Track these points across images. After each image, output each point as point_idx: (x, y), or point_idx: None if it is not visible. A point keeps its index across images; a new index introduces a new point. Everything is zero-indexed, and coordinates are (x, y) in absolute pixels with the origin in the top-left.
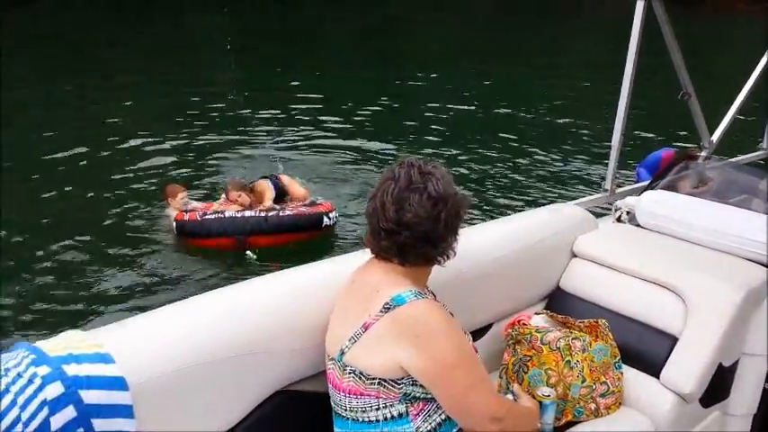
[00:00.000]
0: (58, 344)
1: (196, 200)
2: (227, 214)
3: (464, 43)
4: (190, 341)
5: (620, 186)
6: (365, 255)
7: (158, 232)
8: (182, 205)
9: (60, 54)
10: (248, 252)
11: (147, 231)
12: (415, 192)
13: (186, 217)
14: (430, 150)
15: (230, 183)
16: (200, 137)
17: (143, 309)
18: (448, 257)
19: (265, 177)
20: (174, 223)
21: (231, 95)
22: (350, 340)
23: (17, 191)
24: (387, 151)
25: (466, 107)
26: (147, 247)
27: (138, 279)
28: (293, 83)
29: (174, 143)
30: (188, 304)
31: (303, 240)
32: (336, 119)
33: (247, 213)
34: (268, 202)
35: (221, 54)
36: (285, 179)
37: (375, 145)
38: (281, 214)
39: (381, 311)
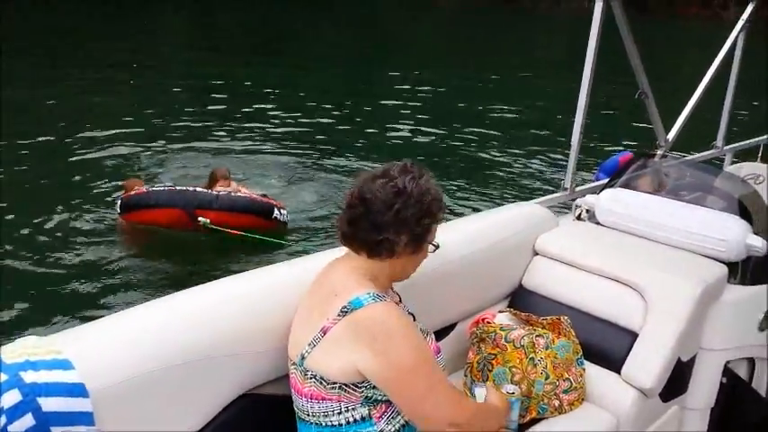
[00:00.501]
0: (15, 350)
1: None
2: (176, 188)
3: (429, 41)
4: (151, 345)
5: (579, 185)
6: (330, 256)
7: (113, 231)
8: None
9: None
10: (200, 218)
11: (101, 230)
12: (385, 178)
13: (133, 193)
14: (388, 151)
15: (218, 171)
16: (165, 132)
17: (101, 311)
18: (390, 255)
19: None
20: (119, 202)
21: (190, 90)
22: (309, 345)
23: None
24: (345, 156)
25: (427, 106)
26: (103, 246)
27: (95, 280)
28: (264, 79)
29: (134, 139)
30: (149, 307)
31: (253, 231)
32: (302, 120)
33: (198, 189)
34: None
35: (192, 49)
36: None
37: (333, 148)
38: (233, 195)
39: (339, 315)
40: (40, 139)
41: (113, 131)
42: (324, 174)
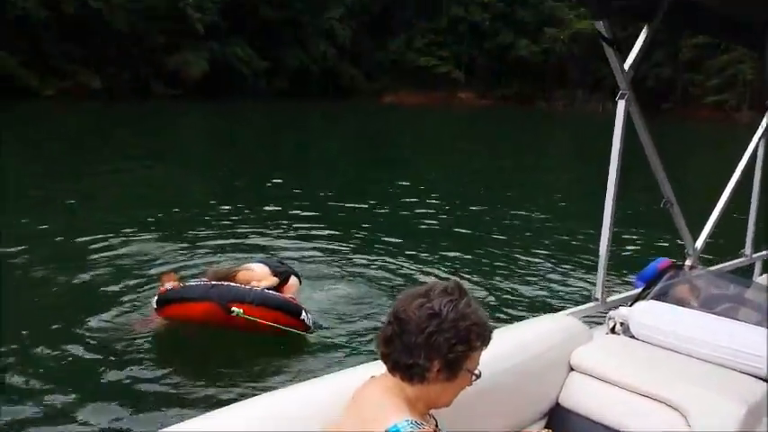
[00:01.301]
0: None
1: None
2: (211, 283)
3: (449, 137)
4: None
5: (610, 295)
6: (369, 370)
7: (145, 327)
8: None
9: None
10: (234, 309)
11: (130, 327)
12: (423, 298)
13: (169, 287)
14: (412, 253)
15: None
16: (192, 228)
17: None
18: (420, 380)
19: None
20: (155, 298)
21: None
22: None
23: None
24: (365, 258)
25: (450, 208)
26: (133, 351)
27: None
28: (287, 181)
29: (164, 235)
30: None
31: (281, 333)
32: (321, 222)
33: (231, 284)
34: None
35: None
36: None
37: (351, 253)
38: (266, 292)
39: None
40: (75, 236)
41: (142, 228)
42: (347, 272)
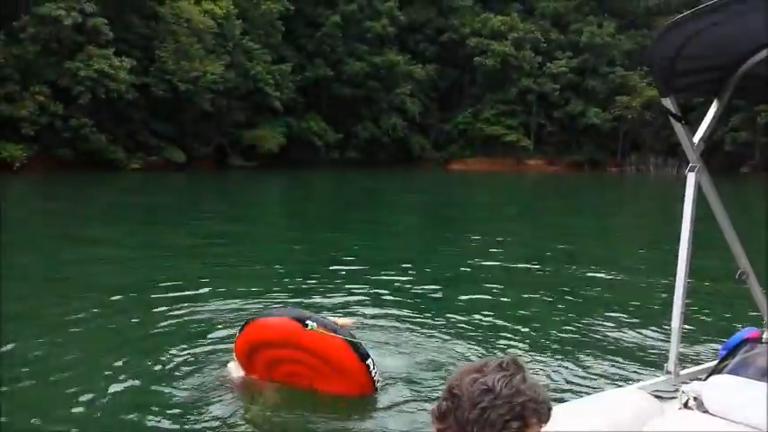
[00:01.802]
0: None
1: None
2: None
3: (514, 205)
4: None
5: (684, 368)
6: None
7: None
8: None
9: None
10: (308, 322)
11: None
12: (477, 373)
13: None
14: (466, 317)
15: None
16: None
17: None
18: None
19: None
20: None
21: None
22: None
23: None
24: (432, 327)
25: (511, 281)
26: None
27: None
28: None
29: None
30: None
31: (345, 368)
32: (389, 289)
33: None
34: None
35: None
36: None
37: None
38: (337, 325)
39: None
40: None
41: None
42: (414, 337)
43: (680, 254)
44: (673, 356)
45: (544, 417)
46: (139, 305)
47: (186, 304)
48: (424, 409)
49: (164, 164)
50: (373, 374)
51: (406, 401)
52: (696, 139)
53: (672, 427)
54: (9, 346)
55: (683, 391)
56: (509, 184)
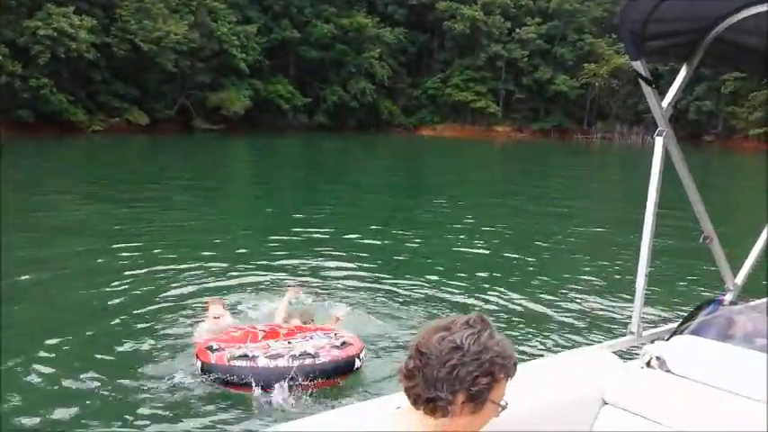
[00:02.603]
0: None
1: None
2: (258, 361)
3: (485, 168)
4: None
5: (646, 329)
6: (389, 403)
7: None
8: (214, 318)
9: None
10: None
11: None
12: (445, 331)
13: (213, 359)
14: (437, 278)
15: (211, 302)
16: (233, 255)
17: None
18: (444, 414)
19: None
20: (199, 362)
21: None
22: None
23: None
24: (398, 287)
25: (481, 242)
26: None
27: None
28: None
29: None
30: None
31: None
32: (357, 251)
33: (279, 362)
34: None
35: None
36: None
37: (394, 281)
38: (316, 363)
39: None
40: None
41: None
42: (383, 298)
43: (646, 217)
44: (636, 317)
45: (511, 372)
46: (98, 270)
47: (150, 269)
48: (394, 370)
49: (126, 126)
50: (361, 365)
51: (378, 361)
52: (665, 103)
53: (634, 386)
54: None
55: (645, 351)
56: (478, 149)
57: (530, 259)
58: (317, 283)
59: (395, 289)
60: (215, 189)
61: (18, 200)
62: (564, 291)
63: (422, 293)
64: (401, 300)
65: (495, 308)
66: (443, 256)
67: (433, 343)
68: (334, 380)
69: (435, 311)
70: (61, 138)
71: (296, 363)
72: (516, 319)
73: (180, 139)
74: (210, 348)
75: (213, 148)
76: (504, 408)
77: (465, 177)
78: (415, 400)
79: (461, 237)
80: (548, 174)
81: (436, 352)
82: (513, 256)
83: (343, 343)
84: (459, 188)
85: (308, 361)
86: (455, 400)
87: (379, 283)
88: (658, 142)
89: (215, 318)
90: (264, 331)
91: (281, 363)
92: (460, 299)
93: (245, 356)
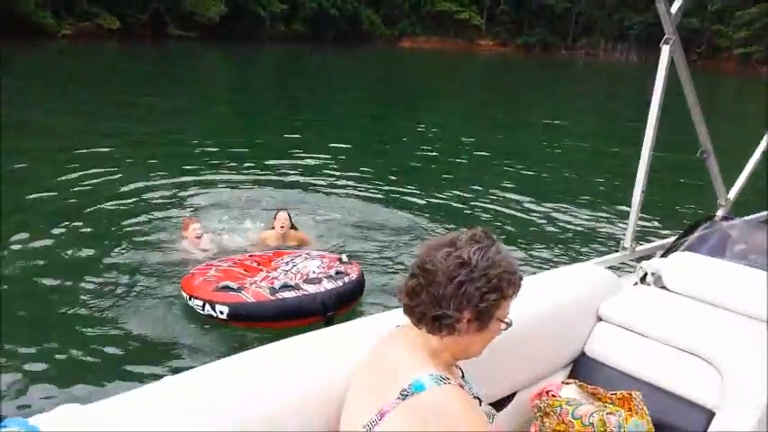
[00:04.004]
0: (54, 420)
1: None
2: (303, 287)
3: (468, 83)
4: (180, 422)
5: (639, 245)
6: (388, 319)
7: (167, 278)
8: (195, 237)
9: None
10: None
11: (155, 276)
12: (449, 247)
13: (250, 297)
14: (434, 199)
15: (188, 221)
16: (208, 171)
17: (136, 378)
18: (450, 332)
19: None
20: (226, 308)
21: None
22: (365, 427)
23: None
24: (386, 201)
25: (467, 159)
26: (154, 300)
27: (136, 342)
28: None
29: (176, 178)
30: (181, 379)
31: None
32: (338, 169)
33: (323, 285)
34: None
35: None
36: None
37: (378, 196)
38: (347, 282)
39: (398, 398)
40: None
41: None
42: (369, 214)
43: (647, 129)
44: (630, 232)
45: (518, 288)
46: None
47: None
48: (390, 285)
49: (96, 31)
50: None
51: (375, 277)
52: (674, 8)
53: (631, 301)
54: None
55: (640, 267)
56: (461, 62)
57: (520, 173)
58: (294, 203)
59: (378, 204)
60: (187, 105)
61: None
62: (555, 205)
63: (408, 209)
64: (384, 213)
65: (487, 222)
66: (431, 172)
67: (438, 259)
68: (356, 299)
69: (424, 227)
70: (30, 43)
71: (334, 284)
72: (508, 233)
73: (153, 47)
74: (229, 288)
75: (187, 57)
76: (509, 325)
77: (452, 91)
78: (419, 319)
79: (449, 151)
80: (532, 90)
81: (443, 268)
82: (503, 169)
83: (341, 260)
84: (446, 102)
85: (339, 282)
86: (462, 317)
87: (360, 198)
88: (665, 51)
89: (196, 237)
90: (255, 260)
91: (328, 285)
92: (448, 214)
93: (287, 286)
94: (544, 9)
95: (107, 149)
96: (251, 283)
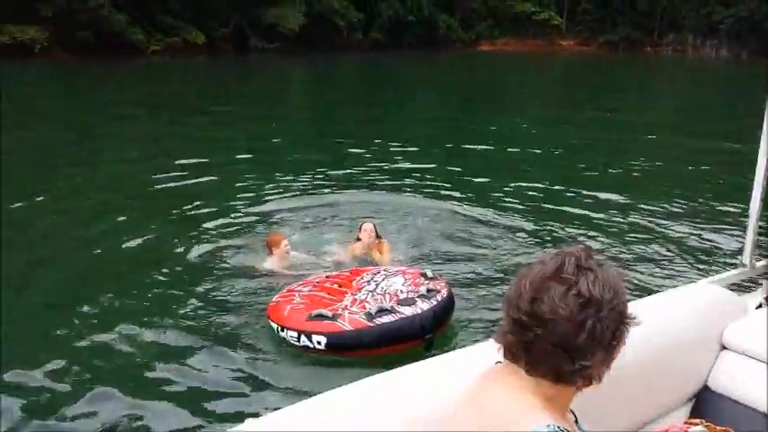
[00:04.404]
0: None
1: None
2: (398, 310)
3: (552, 86)
4: None
5: (760, 260)
6: (478, 356)
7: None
8: (285, 252)
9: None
10: (428, 336)
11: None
12: (561, 283)
13: (347, 324)
14: (522, 216)
15: (272, 238)
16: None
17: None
18: (590, 382)
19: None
20: (324, 338)
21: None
22: None
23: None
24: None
25: (562, 164)
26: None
27: (227, 381)
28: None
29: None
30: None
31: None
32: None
33: (419, 306)
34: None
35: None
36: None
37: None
38: (440, 300)
39: None
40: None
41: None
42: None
43: (764, 128)
44: (749, 246)
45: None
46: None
47: (204, 201)
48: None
49: (183, 45)
50: None
51: (456, 289)
52: None
53: (756, 325)
54: None
55: (765, 287)
56: (541, 64)
57: (611, 177)
58: (374, 215)
59: (458, 214)
60: (266, 115)
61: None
62: (653, 214)
63: (487, 222)
64: (462, 227)
65: (577, 235)
66: (510, 182)
67: (555, 303)
68: (449, 318)
69: (499, 234)
70: (122, 59)
71: (429, 304)
72: (600, 242)
73: (236, 60)
74: (323, 316)
75: (269, 68)
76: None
77: (536, 92)
78: (544, 375)
79: (534, 155)
80: (618, 87)
81: (565, 314)
82: (593, 173)
83: (425, 276)
84: (532, 104)
85: (434, 301)
86: (594, 362)
87: (437, 209)
88: None
89: (285, 252)
90: (335, 281)
91: (423, 306)
92: (534, 229)
93: (383, 310)
94: (627, 5)
95: (197, 161)
96: (343, 309)
